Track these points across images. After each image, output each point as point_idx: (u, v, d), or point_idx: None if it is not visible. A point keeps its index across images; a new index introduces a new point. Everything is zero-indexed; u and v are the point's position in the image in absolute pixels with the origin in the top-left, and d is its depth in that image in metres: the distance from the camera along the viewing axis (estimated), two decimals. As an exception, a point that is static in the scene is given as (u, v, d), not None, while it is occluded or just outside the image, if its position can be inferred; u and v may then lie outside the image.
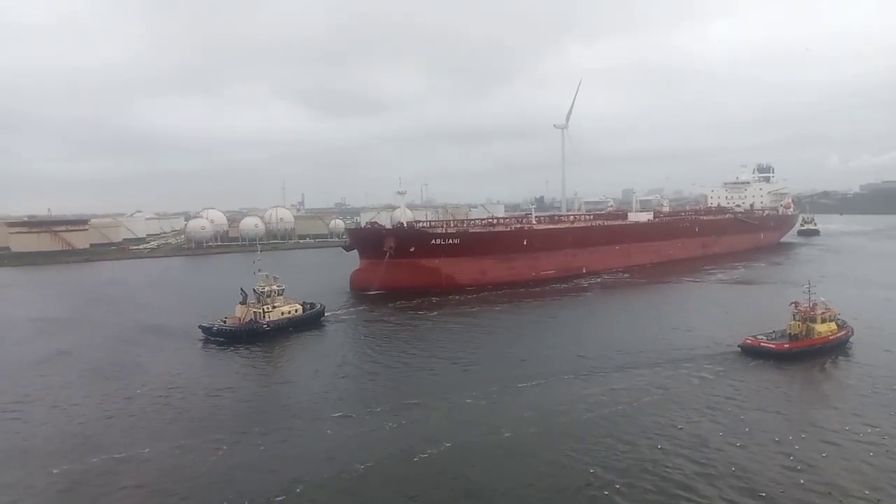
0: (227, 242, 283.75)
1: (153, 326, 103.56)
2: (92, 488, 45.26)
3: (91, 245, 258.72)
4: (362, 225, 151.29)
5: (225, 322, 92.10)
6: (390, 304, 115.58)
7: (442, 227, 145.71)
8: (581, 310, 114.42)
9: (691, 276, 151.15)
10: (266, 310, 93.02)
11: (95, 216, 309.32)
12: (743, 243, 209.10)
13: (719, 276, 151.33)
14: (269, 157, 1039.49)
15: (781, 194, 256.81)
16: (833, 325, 76.56)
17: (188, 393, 66.76)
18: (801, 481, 43.13)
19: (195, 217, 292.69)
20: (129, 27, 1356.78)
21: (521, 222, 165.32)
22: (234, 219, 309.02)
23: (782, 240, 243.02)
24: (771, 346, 73.59)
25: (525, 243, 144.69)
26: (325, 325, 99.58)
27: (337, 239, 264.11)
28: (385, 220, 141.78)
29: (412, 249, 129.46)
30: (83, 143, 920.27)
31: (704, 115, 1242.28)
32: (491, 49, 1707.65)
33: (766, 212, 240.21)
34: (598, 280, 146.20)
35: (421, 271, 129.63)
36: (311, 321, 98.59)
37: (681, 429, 52.99)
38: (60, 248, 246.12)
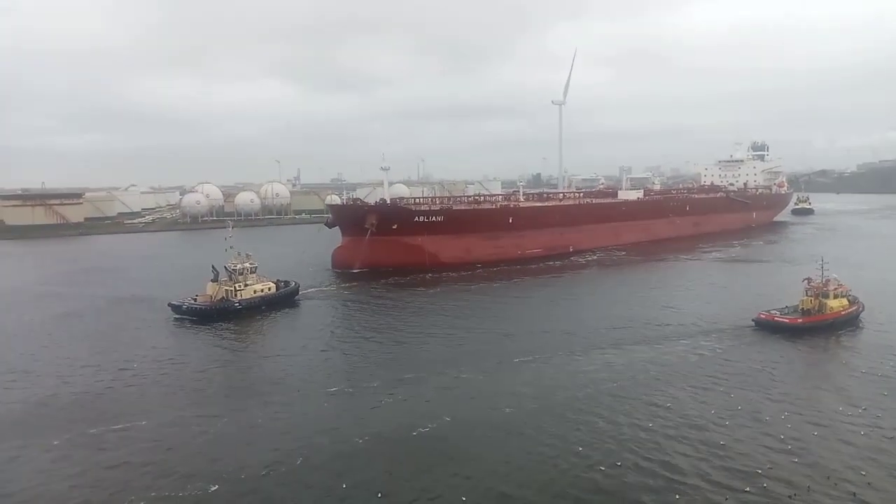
0: (223, 217, 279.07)
1: (137, 299, 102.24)
2: (93, 460, 44.44)
3: (85, 219, 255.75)
4: (358, 199, 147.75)
5: (196, 300, 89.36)
6: (371, 283, 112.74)
7: (426, 204, 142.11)
8: (578, 287, 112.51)
9: (688, 254, 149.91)
10: (238, 288, 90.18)
11: (90, 190, 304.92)
12: (735, 222, 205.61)
13: (716, 254, 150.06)
14: (263, 132, 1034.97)
15: (775, 173, 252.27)
16: (845, 301, 77.59)
17: (179, 367, 65.85)
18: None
19: (190, 191, 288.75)
20: (121, 4, 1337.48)
21: (509, 199, 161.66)
22: (229, 193, 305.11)
23: (776, 219, 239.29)
24: (785, 320, 74.67)
25: (511, 221, 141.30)
26: (299, 304, 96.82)
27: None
28: (385, 195, 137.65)
29: (395, 227, 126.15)
30: (77, 116, 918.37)
31: (699, 92, 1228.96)
32: (478, 27, 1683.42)
33: (760, 190, 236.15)
34: (595, 258, 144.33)
35: (404, 249, 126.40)
36: (284, 300, 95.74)
37: (703, 402, 52.51)
38: (54, 222, 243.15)
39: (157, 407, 54.25)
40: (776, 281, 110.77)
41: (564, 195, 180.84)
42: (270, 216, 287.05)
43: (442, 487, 39.50)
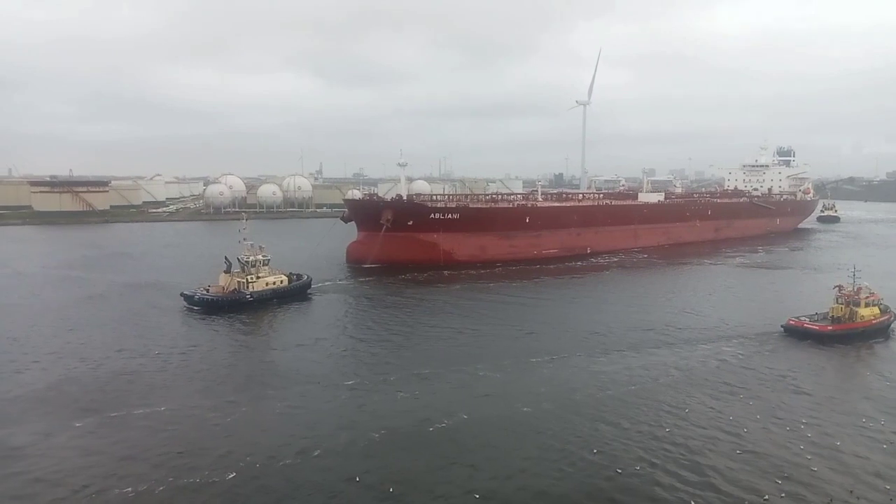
0: (245, 209, 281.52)
1: (156, 286, 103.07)
2: (114, 443, 44.86)
3: (111, 207, 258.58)
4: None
5: (208, 290, 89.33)
6: (385, 279, 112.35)
7: (442, 201, 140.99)
8: (598, 288, 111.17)
9: (711, 258, 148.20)
10: (250, 280, 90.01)
11: (116, 178, 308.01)
12: (757, 228, 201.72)
13: (739, 259, 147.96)
14: (286, 125, 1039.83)
15: (801, 179, 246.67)
16: (876, 310, 76.28)
17: (194, 356, 66.32)
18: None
19: (214, 182, 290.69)
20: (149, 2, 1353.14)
21: (527, 199, 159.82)
22: (252, 185, 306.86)
23: (800, 226, 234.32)
24: (814, 327, 73.70)
25: (527, 221, 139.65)
26: (311, 298, 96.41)
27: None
28: (402, 192, 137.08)
29: (410, 223, 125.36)
30: (103, 105, 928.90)
31: (723, 95, 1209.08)
32: (499, 24, 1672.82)
33: (784, 196, 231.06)
34: (616, 259, 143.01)
35: (418, 245, 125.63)
36: (296, 293, 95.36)
37: (722, 408, 51.82)
38: (81, 209, 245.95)
39: (176, 394, 54.72)
40: (802, 288, 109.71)
41: (584, 196, 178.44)
42: (292, 209, 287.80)
43: (455, 484, 39.15)
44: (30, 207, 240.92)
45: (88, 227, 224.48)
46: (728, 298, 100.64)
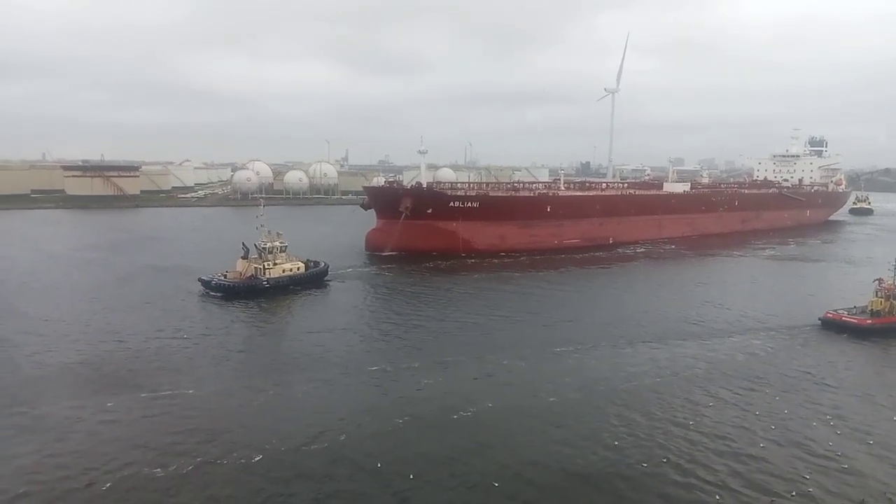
0: (272, 195, 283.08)
1: (181, 270, 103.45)
2: (143, 424, 45.48)
3: (141, 191, 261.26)
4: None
5: (225, 276, 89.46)
6: (404, 267, 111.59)
7: (462, 189, 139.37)
8: (623, 279, 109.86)
9: (740, 250, 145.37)
10: (266, 266, 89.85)
11: (146, 163, 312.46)
12: (786, 220, 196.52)
13: (770, 251, 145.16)
14: (312, 112, 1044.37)
15: (833, 170, 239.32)
16: None
17: (217, 340, 66.97)
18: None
19: (241, 168, 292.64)
20: None
21: (548, 188, 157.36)
22: (278, 171, 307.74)
23: (831, 218, 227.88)
24: (853, 321, 72.65)
25: (548, 210, 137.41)
26: (328, 285, 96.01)
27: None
28: (422, 179, 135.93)
29: (429, 211, 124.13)
30: (135, 91, 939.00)
31: (752, 84, 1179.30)
32: (524, 13, 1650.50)
33: (815, 188, 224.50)
34: (641, 250, 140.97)
35: (437, 234, 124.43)
36: (313, 280, 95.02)
37: (751, 403, 50.90)
38: (112, 193, 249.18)
39: (203, 377, 55.35)
40: (835, 281, 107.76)
41: (607, 185, 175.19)
42: (318, 195, 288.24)
43: (475, 473, 38.85)
44: (63, 191, 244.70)
45: (119, 211, 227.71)
46: (759, 291, 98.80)
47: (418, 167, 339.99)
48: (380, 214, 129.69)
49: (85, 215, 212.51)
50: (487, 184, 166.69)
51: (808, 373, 58.37)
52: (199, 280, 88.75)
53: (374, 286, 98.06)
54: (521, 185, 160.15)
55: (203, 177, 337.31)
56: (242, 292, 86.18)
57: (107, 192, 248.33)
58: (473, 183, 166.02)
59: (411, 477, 37.95)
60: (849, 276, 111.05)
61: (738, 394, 52.86)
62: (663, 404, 50.06)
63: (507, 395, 51.57)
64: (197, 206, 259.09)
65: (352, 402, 49.82)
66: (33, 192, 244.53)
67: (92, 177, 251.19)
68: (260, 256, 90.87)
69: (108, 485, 37.10)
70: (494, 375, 56.35)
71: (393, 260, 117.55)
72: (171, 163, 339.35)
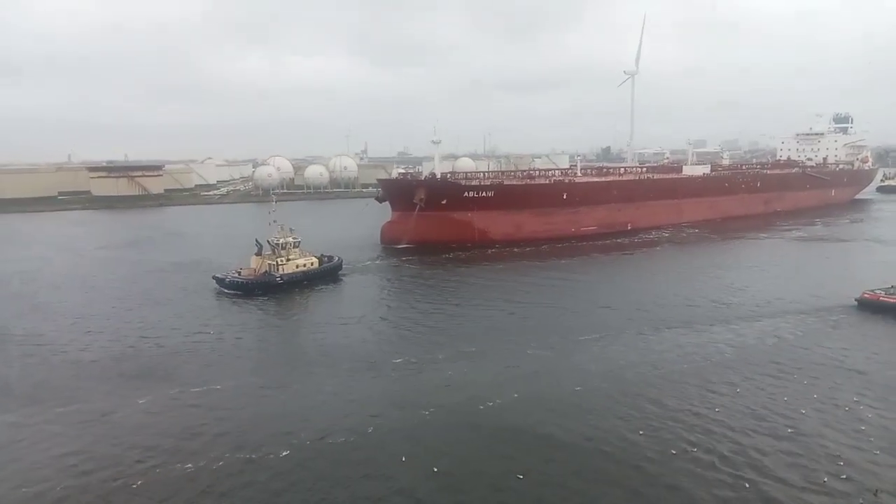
0: (293, 190, 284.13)
1: (204, 267, 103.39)
2: (175, 420, 45.97)
3: (165, 190, 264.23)
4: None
5: (240, 273, 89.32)
6: (420, 259, 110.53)
7: (476, 179, 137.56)
8: (647, 264, 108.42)
9: (766, 232, 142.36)
10: (280, 262, 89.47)
11: (169, 162, 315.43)
12: (810, 200, 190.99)
13: (797, 233, 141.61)
14: (331, 106, 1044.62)
15: (859, 147, 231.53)
16: None
17: (239, 336, 67.06)
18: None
19: (262, 164, 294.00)
20: None
21: (565, 174, 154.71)
22: (299, 166, 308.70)
23: (857, 196, 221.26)
24: (891, 300, 71.31)
25: (564, 197, 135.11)
26: (342, 280, 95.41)
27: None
28: (436, 170, 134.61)
29: (444, 202, 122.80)
30: (155, 90, 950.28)
31: (775, 62, 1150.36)
32: None
33: (841, 166, 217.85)
34: (663, 235, 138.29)
35: (452, 225, 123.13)
36: (326, 275, 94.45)
37: (785, 388, 49.81)
38: (137, 193, 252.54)
39: (228, 373, 55.55)
40: (867, 261, 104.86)
41: (625, 170, 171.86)
42: (339, 189, 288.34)
43: (499, 464, 38.49)
44: (88, 192, 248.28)
45: (144, 210, 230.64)
46: (789, 272, 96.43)
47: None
48: (394, 207, 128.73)
49: (111, 215, 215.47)
50: (502, 172, 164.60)
51: (847, 356, 56.69)
52: (214, 278, 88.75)
53: (390, 279, 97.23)
54: (537, 172, 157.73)
55: (225, 174, 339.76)
56: (256, 289, 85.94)
57: (132, 191, 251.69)
58: (488, 172, 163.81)
59: (435, 470, 37.79)
60: (881, 255, 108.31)
61: (774, 378, 51.79)
62: (690, 392, 48.99)
63: (533, 385, 50.92)
64: (220, 203, 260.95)
65: (377, 395, 49.82)
66: (60, 193, 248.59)
67: (117, 177, 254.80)
68: (273, 252, 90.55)
69: (140, 481, 37.66)
70: (519, 365, 55.63)
71: (408, 252, 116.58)
72: (194, 161, 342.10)
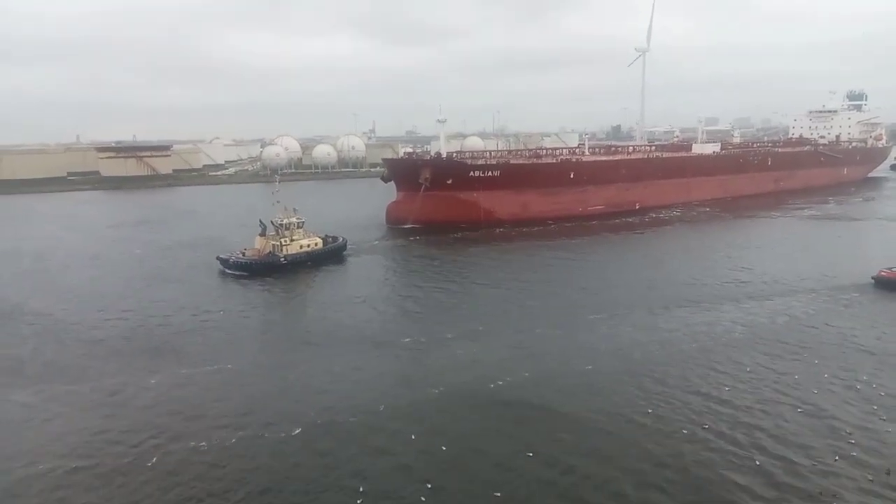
0: (301, 170, 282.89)
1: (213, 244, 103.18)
2: (186, 398, 46.09)
3: (173, 170, 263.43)
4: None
5: (244, 254, 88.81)
6: (425, 239, 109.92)
7: (482, 158, 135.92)
8: (658, 243, 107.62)
9: (778, 211, 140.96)
10: (284, 243, 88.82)
11: (177, 142, 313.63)
12: (822, 178, 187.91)
13: (810, 211, 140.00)
14: (339, 86, 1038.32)
15: (873, 124, 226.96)
16: None
17: (247, 316, 67.19)
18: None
19: (270, 144, 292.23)
20: None
21: (572, 153, 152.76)
22: (307, 146, 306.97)
23: (871, 175, 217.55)
24: None
25: (572, 176, 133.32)
26: (346, 260, 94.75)
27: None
28: (441, 149, 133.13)
29: (449, 182, 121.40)
30: (163, 71, 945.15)
31: (787, 39, 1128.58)
32: None
33: (854, 144, 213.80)
34: (673, 213, 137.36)
35: (458, 205, 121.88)
36: (331, 255, 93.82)
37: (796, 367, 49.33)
38: (145, 173, 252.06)
39: (237, 353, 55.60)
40: (883, 239, 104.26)
41: (634, 149, 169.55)
42: (347, 169, 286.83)
43: (508, 443, 38.10)
44: (98, 173, 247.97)
45: (153, 190, 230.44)
46: (803, 251, 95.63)
47: (445, 136, 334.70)
48: (399, 187, 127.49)
49: (120, 195, 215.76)
50: (509, 151, 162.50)
51: (865, 334, 56.41)
52: (218, 258, 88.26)
53: (396, 259, 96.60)
54: (544, 151, 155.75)
55: (233, 154, 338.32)
56: (260, 269, 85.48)
57: (140, 172, 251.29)
58: (494, 151, 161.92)
59: (444, 448, 37.49)
60: (895, 233, 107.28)
61: (790, 356, 51.40)
62: (700, 372, 48.54)
63: (542, 364, 50.60)
64: (228, 182, 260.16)
65: (386, 374, 49.57)
66: (69, 174, 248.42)
67: (125, 157, 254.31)
68: (277, 233, 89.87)
69: (155, 458, 37.75)
70: (528, 345, 55.29)
71: (414, 232, 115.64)
72: (202, 141, 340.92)
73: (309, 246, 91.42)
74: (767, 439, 37.98)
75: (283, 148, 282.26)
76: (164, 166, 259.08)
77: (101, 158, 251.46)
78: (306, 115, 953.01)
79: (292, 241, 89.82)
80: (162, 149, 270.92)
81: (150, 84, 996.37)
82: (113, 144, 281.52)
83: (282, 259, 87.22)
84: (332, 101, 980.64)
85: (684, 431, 39.21)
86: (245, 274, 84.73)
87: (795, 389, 44.86)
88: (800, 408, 41.90)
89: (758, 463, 35.36)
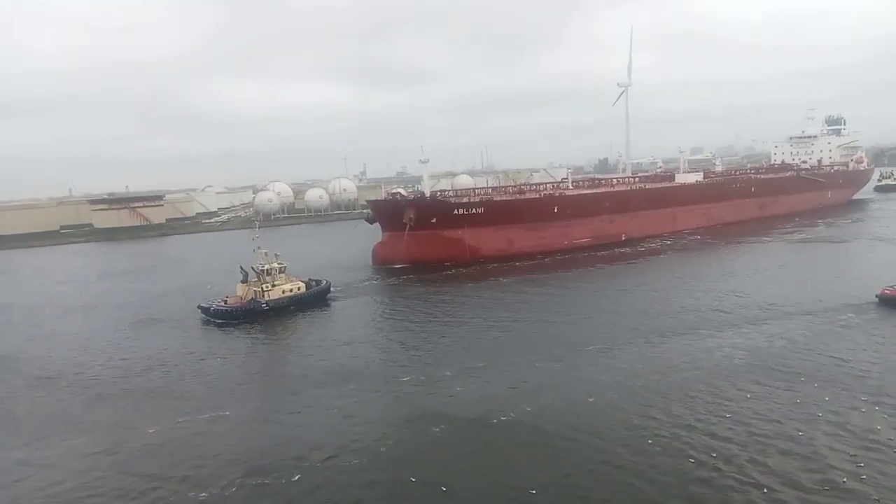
0: (294, 214, 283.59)
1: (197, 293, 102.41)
2: (187, 448, 45.34)
3: (166, 220, 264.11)
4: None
5: (226, 301, 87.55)
6: (412, 278, 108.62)
7: (466, 196, 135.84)
8: (646, 273, 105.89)
9: (768, 236, 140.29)
10: (265, 288, 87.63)
11: (169, 191, 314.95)
12: (806, 203, 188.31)
13: (800, 235, 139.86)
14: (327, 130, 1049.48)
15: (853, 148, 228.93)
16: None
17: (239, 362, 66.23)
18: None
19: (262, 190, 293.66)
20: (182, 20, 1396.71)
21: (556, 188, 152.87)
22: (299, 190, 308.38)
23: (854, 197, 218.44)
24: None
25: (556, 210, 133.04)
26: (331, 304, 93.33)
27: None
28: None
29: (434, 220, 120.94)
30: (151, 123, 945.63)
31: (761, 71, 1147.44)
32: (520, 19, 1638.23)
33: (835, 167, 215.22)
34: (662, 244, 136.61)
35: (443, 243, 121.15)
36: (315, 299, 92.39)
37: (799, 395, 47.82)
38: (139, 223, 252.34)
39: (234, 399, 54.35)
40: (878, 259, 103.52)
41: (617, 181, 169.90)
42: (339, 211, 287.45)
43: (510, 480, 37.58)
44: (91, 225, 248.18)
45: (146, 240, 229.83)
46: (799, 274, 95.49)
47: (435, 176, 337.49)
48: (385, 227, 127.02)
49: (113, 247, 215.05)
50: (493, 188, 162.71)
51: (878, 353, 55.64)
52: (199, 307, 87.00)
53: (382, 300, 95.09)
54: (528, 187, 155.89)
55: (225, 201, 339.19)
56: (241, 316, 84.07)
57: (133, 222, 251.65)
58: (479, 188, 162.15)
59: (444, 489, 36.88)
60: (888, 253, 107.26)
61: (797, 381, 50.36)
62: (702, 400, 47.54)
63: (543, 398, 49.66)
64: (221, 230, 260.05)
65: (387, 414, 49.10)
66: (62, 227, 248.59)
67: (118, 209, 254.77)
68: (258, 279, 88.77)
69: None
70: (528, 379, 54.29)
71: (400, 272, 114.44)
72: (194, 189, 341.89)
73: (291, 290, 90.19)
74: (774, 466, 37.18)
75: (276, 193, 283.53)
76: (157, 216, 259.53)
77: (94, 210, 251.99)
78: (296, 160, 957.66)
79: (274, 286, 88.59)
80: (154, 199, 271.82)
81: (141, 136, 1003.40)
82: (105, 196, 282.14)
83: (264, 305, 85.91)
84: (322, 146, 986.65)
85: (691, 461, 38.36)
86: (225, 321, 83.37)
87: (801, 414, 44.06)
88: (805, 432, 41.02)
89: (765, 491, 34.64)
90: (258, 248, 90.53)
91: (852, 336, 61.13)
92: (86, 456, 45.34)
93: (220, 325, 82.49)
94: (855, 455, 37.63)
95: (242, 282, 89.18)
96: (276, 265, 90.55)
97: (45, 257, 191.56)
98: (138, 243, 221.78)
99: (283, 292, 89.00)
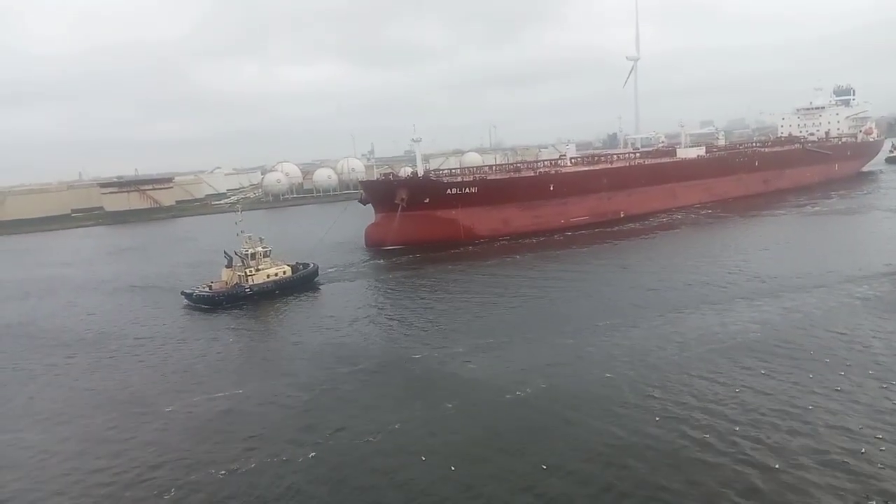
0: (303, 194, 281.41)
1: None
2: (203, 427, 44.91)
3: (176, 202, 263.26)
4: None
5: (210, 287, 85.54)
6: (407, 259, 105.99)
7: (459, 175, 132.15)
8: (656, 247, 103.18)
9: (783, 209, 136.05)
10: (249, 273, 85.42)
11: (179, 174, 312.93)
12: (813, 176, 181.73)
13: (813, 207, 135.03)
14: (334, 110, 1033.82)
15: (862, 119, 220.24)
16: None
17: (242, 345, 65.39)
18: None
19: (271, 171, 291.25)
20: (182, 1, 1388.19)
21: (552, 165, 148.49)
22: (307, 171, 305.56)
23: (864, 169, 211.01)
24: None
25: (552, 188, 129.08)
26: (319, 287, 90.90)
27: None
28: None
29: (427, 200, 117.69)
30: (157, 105, 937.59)
31: (765, 41, 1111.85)
32: None
33: (844, 139, 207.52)
34: (679, 217, 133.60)
35: (437, 223, 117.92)
36: (301, 282, 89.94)
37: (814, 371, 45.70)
38: (148, 206, 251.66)
39: (243, 380, 53.42)
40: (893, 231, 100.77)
41: (616, 157, 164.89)
42: (347, 191, 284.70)
43: (524, 459, 36.24)
44: (101, 208, 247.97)
45: (156, 223, 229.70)
46: (822, 245, 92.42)
47: (444, 154, 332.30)
48: (377, 208, 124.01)
49: (123, 230, 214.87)
50: (489, 166, 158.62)
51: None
52: (182, 293, 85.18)
53: (372, 283, 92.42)
54: (524, 164, 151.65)
55: (234, 182, 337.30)
56: (225, 301, 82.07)
57: (143, 205, 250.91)
58: (472, 167, 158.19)
59: (452, 468, 35.77)
60: None
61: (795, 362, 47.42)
62: (719, 377, 45.38)
63: (558, 374, 48.13)
64: (230, 211, 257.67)
65: (400, 391, 47.99)
66: (73, 211, 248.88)
67: (128, 191, 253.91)
68: (242, 263, 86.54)
69: (173, 490, 36.71)
70: (541, 355, 52.59)
71: (393, 254, 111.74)
72: (203, 171, 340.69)
73: (276, 275, 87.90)
74: (790, 446, 35.27)
75: (284, 174, 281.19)
76: (166, 198, 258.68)
77: (104, 194, 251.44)
78: (304, 141, 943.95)
79: (258, 270, 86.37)
80: (164, 181, 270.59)
81: (148, 118, 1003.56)
82: (115, 179, 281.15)
83: (247, 290, 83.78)
84: (330, 126, 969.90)
85: (707, 436, 36.89)
86: (209, 307, 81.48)
87: (828, 395, 41.54)
88: (829, 420, 38.42)
89: (778, 465, 33.33)
90: (241, 231, 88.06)
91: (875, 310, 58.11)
92: (97, 439, 44.48)
93: (205, 311, 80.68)
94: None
95: (227, 266, 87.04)
96: (259, 249, 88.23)
97: (56, 241, 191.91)
98: (148, 225, 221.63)
99: (268, 276, 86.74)
